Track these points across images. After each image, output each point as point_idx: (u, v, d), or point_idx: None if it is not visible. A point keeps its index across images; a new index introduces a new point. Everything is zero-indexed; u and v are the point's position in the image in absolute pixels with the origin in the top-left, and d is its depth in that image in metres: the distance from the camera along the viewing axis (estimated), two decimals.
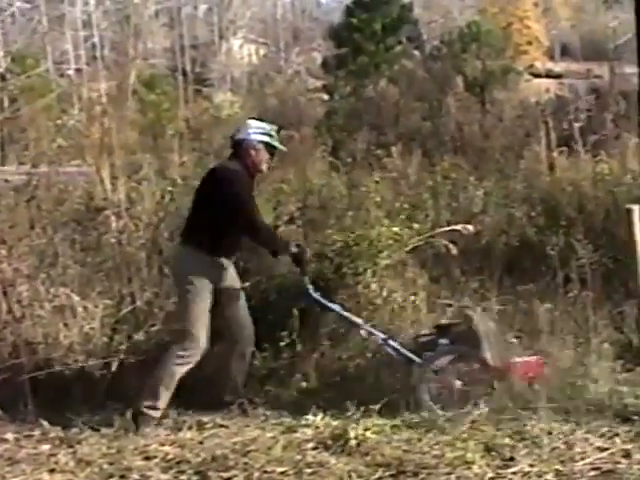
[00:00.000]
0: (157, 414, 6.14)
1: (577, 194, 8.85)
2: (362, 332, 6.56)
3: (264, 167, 6.52)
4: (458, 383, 6.26)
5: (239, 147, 6.47)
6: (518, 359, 6.37)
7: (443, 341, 6.37)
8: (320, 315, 6.91)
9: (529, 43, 37.19)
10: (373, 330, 6.50)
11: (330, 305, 6.51)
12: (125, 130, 14.25)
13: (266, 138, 6.48)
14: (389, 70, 23.78)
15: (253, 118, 7.14)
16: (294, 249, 6.33)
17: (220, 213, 6.21)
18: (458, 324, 6.58)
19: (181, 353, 6.16)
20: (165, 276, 7.47)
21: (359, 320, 6.54)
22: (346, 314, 6.53)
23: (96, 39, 36.69)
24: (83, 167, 10.96)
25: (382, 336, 6.45)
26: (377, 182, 9.06)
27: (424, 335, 6.57)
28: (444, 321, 6.82)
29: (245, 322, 6.53)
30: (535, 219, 8.60)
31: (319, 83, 25.53)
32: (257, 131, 6.50)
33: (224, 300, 6.37)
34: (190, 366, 6.18)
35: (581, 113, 11.86)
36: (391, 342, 6.40)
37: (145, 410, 6.10)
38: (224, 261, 6.40)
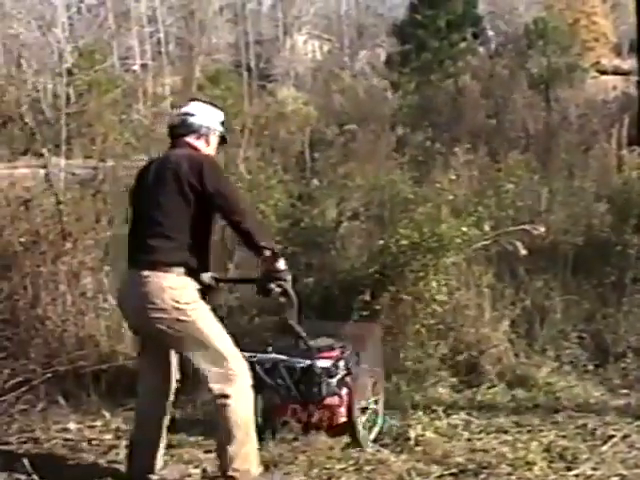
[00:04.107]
0: None
1: None
2: None
3: None
4: None
5: (195, 132, 5.13)
6: None
7: None
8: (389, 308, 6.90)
9: (596, 40, 36.67)
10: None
11: None
12: None
13: (223, 129, 5.32)
14: (453, 67, 23.64)
15: (195, 99, 5.58)
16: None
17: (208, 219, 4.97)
18: None
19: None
20: None
21: None
22: None
23: (161, 34, 36.99)
24: None
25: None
26: (452, 180, 8.95)
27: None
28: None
29: None
30: (603, 218, 8.48)
31: (382, 79, 25.45)
32: (219, 118, 5.29)
33: None
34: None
35: None
36: None
37: None
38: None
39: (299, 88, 29.72)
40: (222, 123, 5.27)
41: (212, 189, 4.77)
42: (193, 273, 4.84)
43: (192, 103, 5.32)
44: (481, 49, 26.94)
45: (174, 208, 4.82)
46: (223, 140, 5.31)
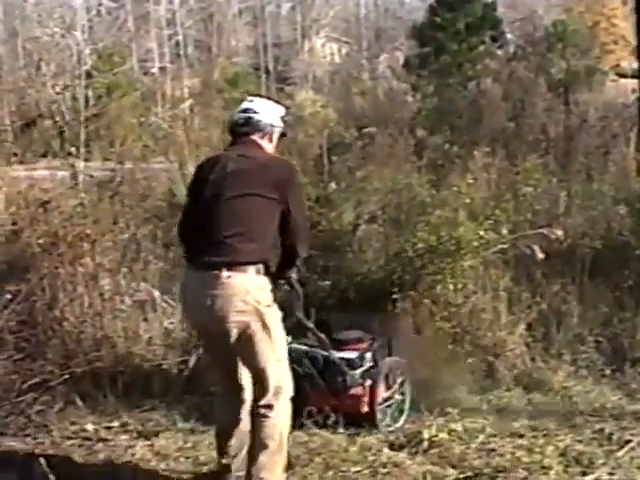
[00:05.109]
0: None
1: None
2: None
3: None
4: None
5: (260, 131, 5.03)
6: None
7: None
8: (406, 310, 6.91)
9: (615, 42, 36.42)
10: None
11: None
12: (209, 127, 14.42)
13: (284, 126, 5.23)
14: (472, 70, 23.57)
15: (255, 95, 5.54)
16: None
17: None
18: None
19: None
20: None
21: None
22: None
23: (180, 37, 37.05)
24: (167, 164, 11.11)
25: None
26: (470, 183, 8.93)
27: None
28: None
29: None
30: (621, 221, 8.45)
31: (401, 82, 25.38)
32: (280, 114, 5.18)
33: None
34: None
35: None
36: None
37: None
38: None
39: (317, 91, 29.68)
40: (282, 118, 5.19)
41: (292, 206, 4.79)
42: (270, 274, 4.78)
43: (254, 100, 5.19)
44: (499, 52, 26.80)
45: (258, 211, 4.73)
46: (282, 135, 5.22)
